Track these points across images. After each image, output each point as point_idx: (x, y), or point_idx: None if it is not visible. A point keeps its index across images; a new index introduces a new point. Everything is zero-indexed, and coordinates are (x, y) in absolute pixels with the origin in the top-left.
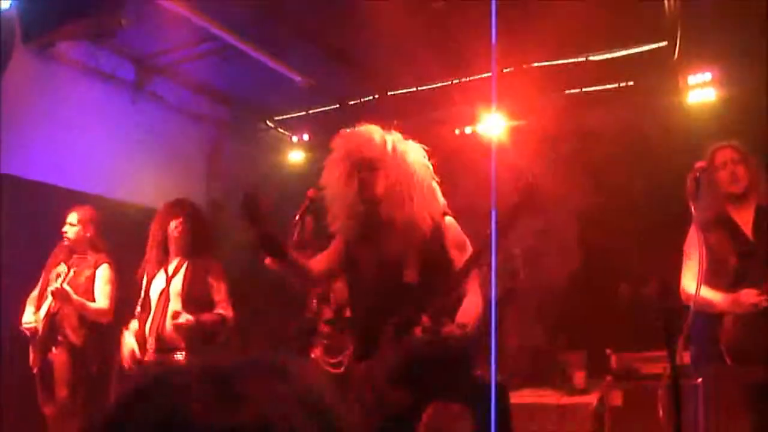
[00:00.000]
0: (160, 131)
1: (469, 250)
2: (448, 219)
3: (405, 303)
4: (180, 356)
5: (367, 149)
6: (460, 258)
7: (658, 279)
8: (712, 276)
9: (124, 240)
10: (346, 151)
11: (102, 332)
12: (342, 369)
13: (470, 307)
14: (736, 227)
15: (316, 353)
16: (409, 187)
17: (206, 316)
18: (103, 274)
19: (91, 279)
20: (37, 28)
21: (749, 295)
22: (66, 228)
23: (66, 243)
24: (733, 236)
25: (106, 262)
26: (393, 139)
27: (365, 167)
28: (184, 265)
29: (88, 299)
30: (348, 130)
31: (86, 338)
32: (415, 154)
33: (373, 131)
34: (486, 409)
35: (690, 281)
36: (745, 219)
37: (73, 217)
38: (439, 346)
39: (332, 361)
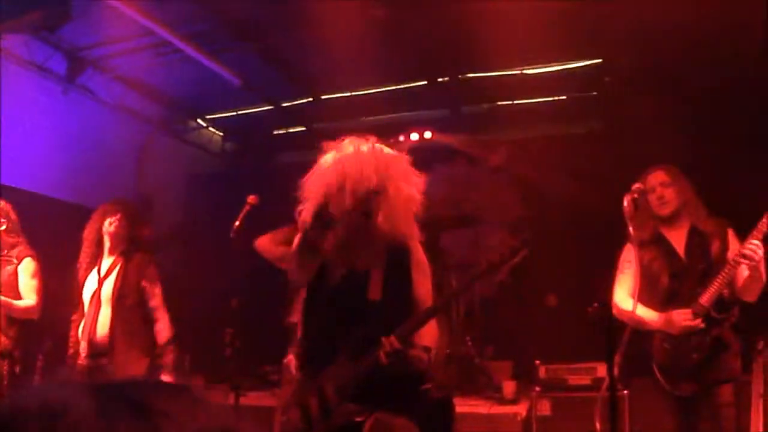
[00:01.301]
0: (91, 125)
1: (429, 274)
2: (416, 242)
3: (366, 319)
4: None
5: (378, 165)
6: (421, 282)
7: (601, 295)
8: (644, 294)
9: (50, 236)
10: (356, 161)
11: (30, 330)
12: None
13: (430, 331)
14: (669, 247)
15: (289, 358)
16: (400, 209)
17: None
18: (27, 267)
19: (15, 275)
20: None
21: (681, 317)
22: None
23: None
24: (666, 256)
25: (29, 255)
26: (401, 159)
27: (370, 185)
28: (118, 266)
29: (14, 297)
30: (358, 140)
31: (15, 338)
32: (414, 178)
33: (384, 147)
34: (431, 422)
35: (622, 297)
36: (678, 239)
37: None
38: (400, 366)
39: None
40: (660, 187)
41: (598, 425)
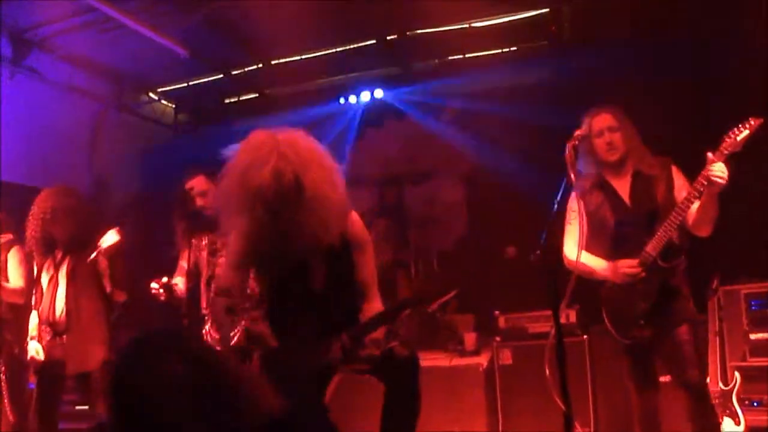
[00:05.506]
0: (40, 107)
1: (370, 250)
2: (353, 215)
3: (314, 312)
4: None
5: (284, 163)
6: (362, 262)
7: (545, 243)
8: (591, 242)
9: (7, 220)
10: (259, 165)
11: (19, 313)
12: None
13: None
14: (614, 194)
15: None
16: (321, 200)
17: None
18: (16, 255)
19: (5, 261)
20: None
21: (626, 266)
22: None
23: None
24: (612, 203)
25: (17, 245)
26: (311, 146)
27: (287, 183)
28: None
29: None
30: (269, 134)
31: (4, 320)
32: (328, 161)
33: (296, 137)
34: (395, 378)
35: (571, 247)
36: (622, 185)
37: None
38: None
39: None
40: (608, 132)
41: (548, 371)
